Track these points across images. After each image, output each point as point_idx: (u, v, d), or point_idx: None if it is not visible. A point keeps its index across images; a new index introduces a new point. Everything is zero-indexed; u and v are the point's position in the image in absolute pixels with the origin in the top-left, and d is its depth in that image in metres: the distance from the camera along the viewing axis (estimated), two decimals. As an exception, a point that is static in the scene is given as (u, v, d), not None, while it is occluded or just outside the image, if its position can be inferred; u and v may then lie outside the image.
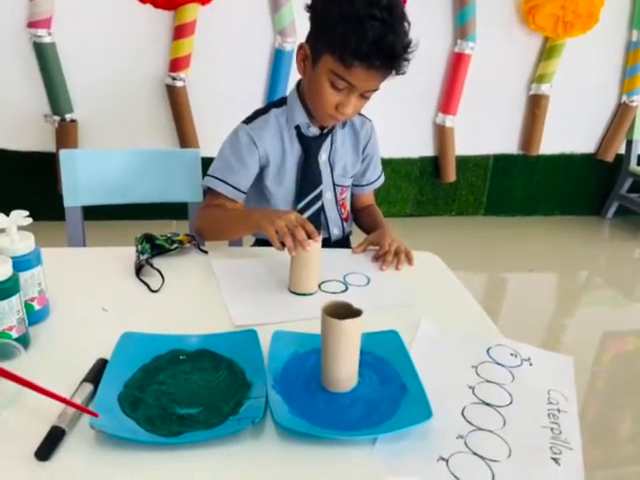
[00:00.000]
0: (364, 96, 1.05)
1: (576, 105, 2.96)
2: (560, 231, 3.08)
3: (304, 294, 0.94)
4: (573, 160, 3.11)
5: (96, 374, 0.68)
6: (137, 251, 1.00)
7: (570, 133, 3.04)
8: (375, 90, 1.04)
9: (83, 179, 1.36)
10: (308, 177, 1.17)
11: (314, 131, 1.15)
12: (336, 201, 1.23)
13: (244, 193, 1.15)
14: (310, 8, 1.03)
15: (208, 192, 1.17)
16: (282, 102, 1.17)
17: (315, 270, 0.95)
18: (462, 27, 2.67)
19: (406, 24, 0.99)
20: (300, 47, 1.07)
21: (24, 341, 0.74)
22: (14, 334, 0.72)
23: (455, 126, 2.86)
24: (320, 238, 0.93)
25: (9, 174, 2.55)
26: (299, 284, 0.95)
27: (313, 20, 1.03)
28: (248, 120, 1.15)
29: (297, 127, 1.14)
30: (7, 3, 2.28)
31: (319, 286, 0.98)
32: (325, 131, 1.16)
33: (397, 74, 1.03)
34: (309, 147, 1.16)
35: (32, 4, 2.26)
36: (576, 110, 2.98)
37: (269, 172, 1.16)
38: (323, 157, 1.18)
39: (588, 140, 3.09)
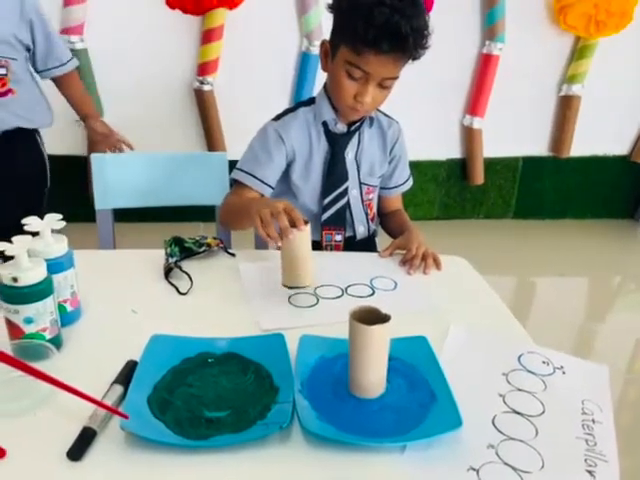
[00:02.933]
0: (383, 85, 1.05)
1: (609, 106, 2.89)
2: (592, 235, 3.00)
3: (297, 287, 0.91)
4: (605, 162, 3.04)
5: (126, 376, 0.69)
6: (166, 254, 1.01)
7: (602, 134, 2.96)
8: (393, 79, 1.04)
9: (113, 182, 1.39)
10: (334, 173, 1.18)
11: (341, 128, 1.16)
12: (362, 199, 1.24)
13: (271, 187, 1.15)
14: (330, 7, 1.05)
15: (235, 184, 1.17)
16: (311, 102, 1.19)
17: (304, 260, 0.90)
18: (491, 27, 2.63)
19: (420, 10, 0.99)
20: (322, 44, 1.10)
21: (57, 342, 0.75)
22: (47, 335, 0.74)
23: (483, 128, 2.82)
24: (306, 227, 0.88)
25: (42, 177, 2.61)
26: (289, 276, 0.91)
27: (333, 16, 1.06)
28: (276, 118, 1.18)
29: (324, 124, 1.16)
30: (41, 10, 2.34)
31: (345, 290, 0.97)
32: (352, 129, 1.17)
33: (413, 59, 1.02)
34: (336, 143, 1.17)
35: (65, 11, 2.32)
36: (609, 111, 2.90)
37: (296, 168, 1.18)
38: (350, 155, 1.19)
39: (621, 142, 3.01)
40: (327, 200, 1.19)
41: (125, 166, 1.41)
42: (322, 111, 1.15)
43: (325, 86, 1.16)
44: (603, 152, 3.02)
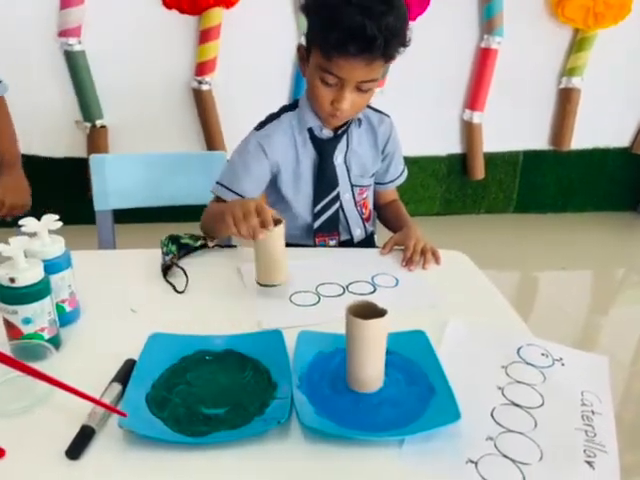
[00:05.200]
0: (361, 89, 1.00)
1: (609, 98, 2.88)
2: (594, 228, 2.99)
3: (270, 285, 0.91)
4: (607, 154, 3.02)
5: (125, 374, 0.69)
6: (163, 253, 1.01)
7: (603, 127, 2.95)
8: (371, 81, 0.99)
9: (113, 183, 1.39)
10: (324, 180, 1.16)
11: (327, 133, 1.13)
12: (355, 202, 1.22)
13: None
14: (301, 9, 1.01)
15: (215, 197, 1.16)
16: (294, 106, 1.15)
17: (276, 259, 0.90)
18: (489, 21, 2.62)
19: (392, 6, 0.92)
20: (298, 48, 1.06)
21: (55, 342, 0.75)
22: (46, 335, 0.74)
23: (483, 122, 2.81)
24: (277, 228, 0.87)
25: (42, 180, 2.61)
26: (262, 275, 0.92)
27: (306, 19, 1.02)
28: (260, 126, 1.14)
29: (310, 130, 1.13)
30: (39, 13, 2.35)
31: (346, 288, 0.96)
32: (339, 132, 1.13)
33: (386, 61, 0.97)
34: (323, 149, 1.14)
35: (62, 14, 2.32)
36: (609, 103, 2.89)
37: (284, 179, 1.15)
38: (339, 159, 1.16)
39: (622, 134, 3.00)
40: (318, 208, 1.17)
41: (124, 167, 1.41)
42: (306, 118, 1.11)
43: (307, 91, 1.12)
44: (604, 145, 3.01)
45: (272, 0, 2.46)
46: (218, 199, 1.16)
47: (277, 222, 0.89)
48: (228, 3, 2.38)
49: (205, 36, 2.42)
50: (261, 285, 0.92)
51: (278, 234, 0.89)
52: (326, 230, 1.19)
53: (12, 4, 2.32)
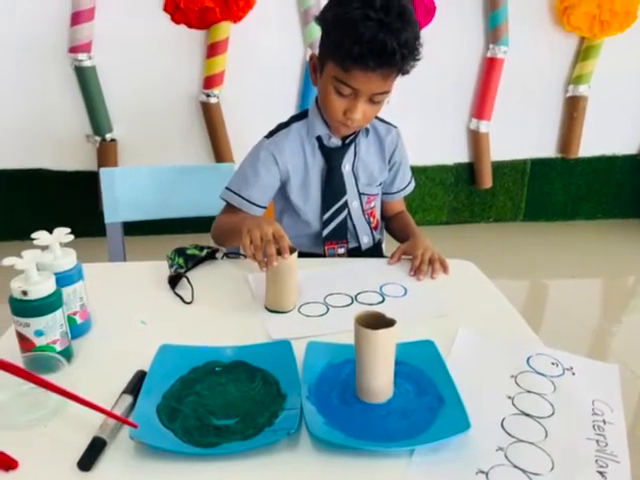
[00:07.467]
0: (373, 101, 1.03)
1: (616, 105, 2.87)
2: (603, 235, 2.97)
3: (277, 312, 0.91)
4: (615, 162, 3.01)
5: (135, 386, 0.70)
6: (170, 266, 1.01)
7: (611, 134, 2.95)
8: (384, 93, 1.02)
9: (123, 196, 1.41)
10: (332, 187, 1.17)
11: (336, 142, 1.15)
12: (363, 210, 1.23)
13: (260, 207, 1.15)
14: (317, 20, 1.04)
15: (225, 204, 1.18)
16: (304, 115, 1.18)
17: (287, 287, 0.91)
18: (494, 31, 2.63)
19: (409, 22, 0.95)
20: (311, 57, 1.09)
21: (67, 354, 0.76)
22: (58, 347, 0.75)
23: (490, 131, 2.81)
24: (291, 256, 0.88)
25: (54, 193, 2.65)
26: (272, 300, 0.92)
27: (321, 30, 1.04)
28: (270, 134, 1.17)
29: (318, 138, 1.15)
30: (50, 30, 2.39)
31: (355, 298, 0.97)
32: (347, 141, 1.15)
33: (402, 74, 1.01)
34: (331, 158, 1.15)
35: (73, 30, 2.36)
36: (616, 110, 2.88)
37: (293, 187, 1.17)
38: (347, 167, 1.18)
39: (630, 141, 2.99)
40: (327, 215, 1.18)
41: (134, 179, 1.43)
42: (315, 126, 1.13)
43: (317, 100, 1.14)
44: (612, 152, 3.00)
45: (279, 14, 2.49)
46: (228, 206, 1.17)
47: (291, 250, 0.89)
48: (235, 17, 2.41)
49: (213, 50, 2.45)
50: (269, 311, 0.91)
51: (292, 263, 0.89)
52: (335, 238, 1.20)
53: (23, 21, 2.37)
